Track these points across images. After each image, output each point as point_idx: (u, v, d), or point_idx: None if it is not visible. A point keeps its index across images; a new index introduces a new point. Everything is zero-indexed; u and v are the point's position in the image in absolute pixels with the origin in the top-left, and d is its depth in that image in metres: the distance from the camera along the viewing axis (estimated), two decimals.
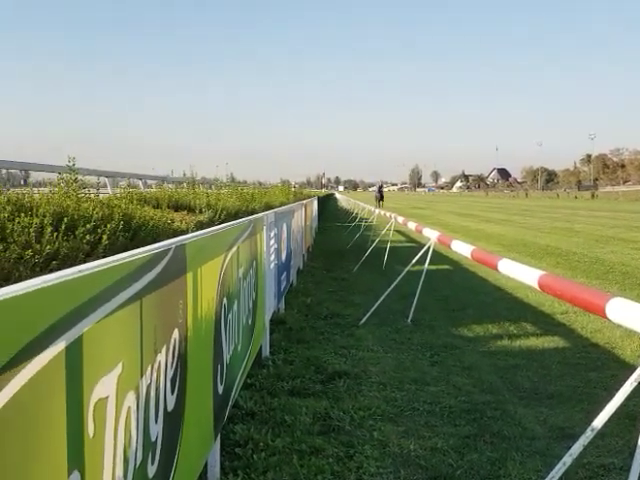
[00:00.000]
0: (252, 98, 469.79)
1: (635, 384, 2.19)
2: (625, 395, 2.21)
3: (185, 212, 10.52)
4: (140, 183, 18.50)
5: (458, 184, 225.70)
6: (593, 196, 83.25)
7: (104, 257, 1.89)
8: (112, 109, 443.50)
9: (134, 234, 5.61)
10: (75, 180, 5.78)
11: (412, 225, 10.03)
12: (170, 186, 16.79)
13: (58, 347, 1.29)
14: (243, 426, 4.07)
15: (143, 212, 6.40)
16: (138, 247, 2.16)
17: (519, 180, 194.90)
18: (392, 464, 3.60)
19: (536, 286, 3.42)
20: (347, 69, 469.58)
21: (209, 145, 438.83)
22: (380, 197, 47.60)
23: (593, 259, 13.17)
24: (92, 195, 6.87)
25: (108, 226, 4.75)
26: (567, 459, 2.27)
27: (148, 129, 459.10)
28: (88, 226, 4.58)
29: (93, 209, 4.98)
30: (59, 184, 5.74)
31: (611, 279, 10.39)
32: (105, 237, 4.66)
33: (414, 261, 7.82)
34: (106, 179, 15.98)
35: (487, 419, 4.29)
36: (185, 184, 14.97)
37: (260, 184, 44.12)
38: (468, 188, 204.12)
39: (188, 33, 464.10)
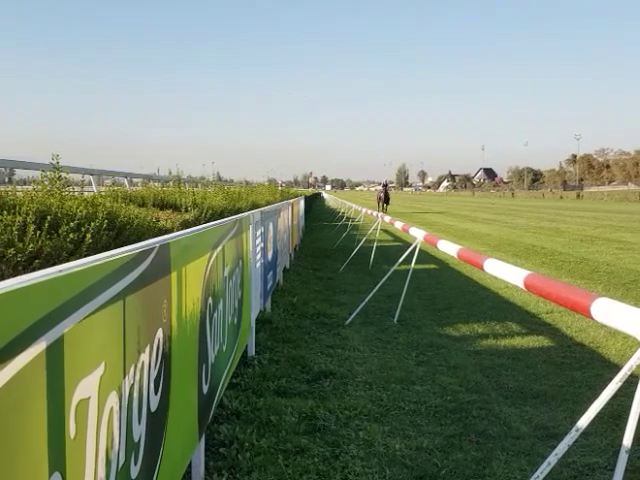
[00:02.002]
0: (239, 97, 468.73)
1: (620, 384, 2.20)
2: (610, 395, 2.21)
3: (171, 211, 10.46)
4: (125, 181, 18.39)
5: (445, 184, 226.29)
6: (578, 196, 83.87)
7: (87, 256, 1.87)
8: (93, 106, 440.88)
9: (118, 233, 5.57)
10: (59, 178, 5.72)
11: (399, 224, 10.05)
12: (156, 184, 16.72)
13: (39, 347, 1.26)
14: (228, 426, 4.05)
15: (128, 210, 6.35)
16: (122, 246, 2.14)
17: (505, 180, 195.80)
18: (377, 463, 3.59)
19: (522, 286, 3.43)
20: (334, 69, 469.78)
21: (195, 144, 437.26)
22: (385, 199, 37.07)
23: (578, 259, 13.25)
24: (76, 193, 6.80)
25: (92, 224, 4.70)
26: (552, 459, 2.27)
27: (134, 128, 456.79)
28: (72, 224, 4.53)
29: (77, 207, 4.92)
30: (43, 182, 5.67)
31: (596, 279, 10.46)
32: (89, 236, 4.62)
33: (400, 260, 7.83)
34: (91, 177, 15.86)
35: (472, 418, 4.30)
36: (171, 182, 14.90)
37: (247, 183, 44.04)
38: (455, 188, 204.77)
39: (156, 29, 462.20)
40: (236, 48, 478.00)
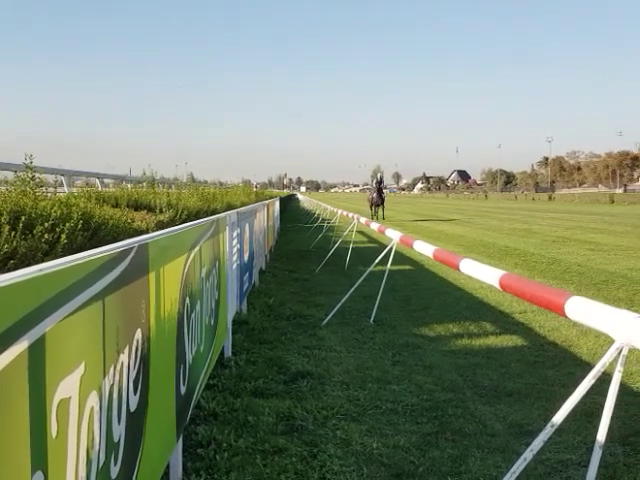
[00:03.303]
0: (211, 98, 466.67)
1: (594, 380, 2.25)
2: (585, 391, 2.26)
3: (145, 212, 10.40)
4: (97, 182, 18.20)
5: (419, 185, 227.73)
6: (550, 198, 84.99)
7: (63, 256, 1.86)
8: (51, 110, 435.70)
9: (93, 233, 5.52)
10: (32, 178, 5.66)
11: (375, 226, 10.10)
12: (128, 185, 16.58)
13: (21, 346, 1.26)
14: (206, 427, 4.04)
15: (102, 211, 6.30)
16: (97, 246, 2.13)
17: (478, 182, 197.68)
18: (355, 462, 3.62)
19: (497, 286, 3.48)
20: (306, 70, 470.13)
21: (167, 145, 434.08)
22: (379, 201, 28.85)
23: (550, 260, 13.45)
24: (49, 194, 6.73)
25: (67, 225, 4.66)
26: (528, 454, 2.31)
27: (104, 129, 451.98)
28: (46, 225, 4.48)
29: (51, 208, 4.87)
30: (16, 182, 5.60)
31: (568, 279, 10.62)
32: (64, 236, 4.58)
33: (376, 262, 7.87)
34: (62, 178, 15.68)
35: (448, 417, 4.35)
36: (144, 183, 14.80)
37: (221, 184, 43.78)
38: (429, 190, 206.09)
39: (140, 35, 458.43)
40: (209, 50, 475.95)
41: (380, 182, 29.52)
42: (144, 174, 14.90)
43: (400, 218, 32.08)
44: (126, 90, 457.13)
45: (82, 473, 1.61)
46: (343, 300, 7.63)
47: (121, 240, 2.61)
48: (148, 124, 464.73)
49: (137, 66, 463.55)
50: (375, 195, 29.15)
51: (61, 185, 14.80)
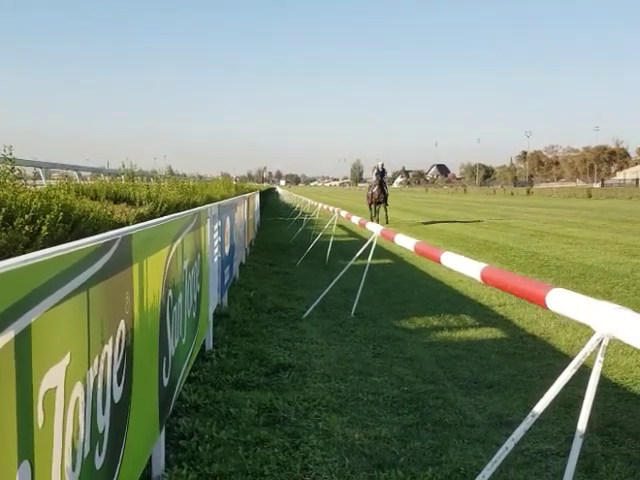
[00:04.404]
0: (191, 91, 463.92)
1: (575, 370, 2.29)
2: (565, 381, 2.30)
3: (125, 204, 10.32)
4: (75, 174, 18.00)
5: (399, 180, 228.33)
6: (528, 192, 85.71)
7: (43, 248, 1.85)
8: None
9: (74, 225, 5.48)
10: (12, 170, 5.59)
11: (355, 219, 10.13)
12: (106, 178, 16.43)
13: (8, 336, 1.26)
14: (187, 419, 4.04)
15: (83, 204, 6.25)
16: (78, 239, 2.12)
17: (458, 176, 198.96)
18: (337, 453, 3.64)
19: (479, 278, 3.51)
20: (286, 64, 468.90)
21: (145, 138, 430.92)
22: (381, 198, 22.11)
23: (529, 253, 13.59)
24: (28, 186, 6.66)
25: (47, 217, 4.62)
26: (509, 443, 2.35)
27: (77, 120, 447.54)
28: (27, 217, 4.44)
29: (31, 200, 4.83)
30: None
31: (546, 273, 10.76)
32: (44, 228, 4.54)
33: (357, 255, 7.90)
34: (40, 170, 15.49)
35: (429, 408, 4.39)
36: (123, 176, 14.67)
37: (200, 177, 43.47)
38: (409, 184, 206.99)
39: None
40: (189, 43, 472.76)
41: (382, 174, 22.52)
42: (122, 166, 14.75)
43: (403, 219, 26.53)
44: (101, 82, 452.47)
45: (68, 463, 1.61)
46: (324, 293, 7.65)
47: (102, 232, 2.60)
48: (126, 116, 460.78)
49: (112, 59, 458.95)
50: (376, 190, 22.26)
51: (39, 177, 14.63)
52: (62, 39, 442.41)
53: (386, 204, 22.53)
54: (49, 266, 1.55)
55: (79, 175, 18.43)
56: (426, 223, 24.04)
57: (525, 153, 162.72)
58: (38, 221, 4.55)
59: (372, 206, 22.72)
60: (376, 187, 22.27)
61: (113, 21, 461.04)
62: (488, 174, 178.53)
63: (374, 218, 21.33)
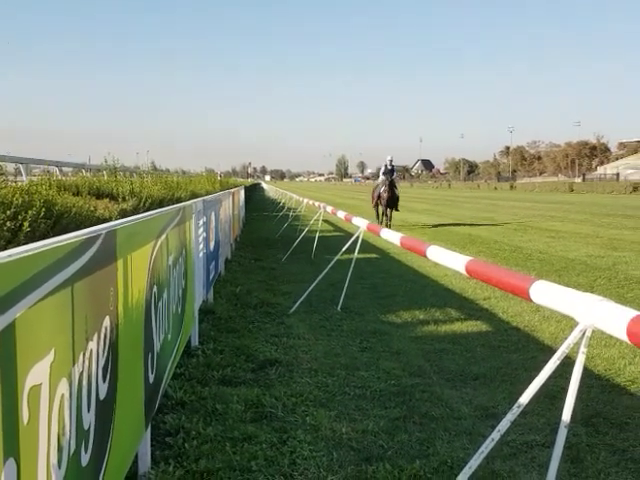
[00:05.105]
0: (174, 84, 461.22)
1: (559, 362, 2.30)
2: (550, 372, 2.31)
3: (107, 200, 10.22)
4: (56, 170, 17.80)
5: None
6: (512, 187, 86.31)
7: (25, 244, 1.82)
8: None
9: (56, 221, 5.42)
10: None
11: (341, 214, 10.13)
12: (88, 174, 16.26)
13: None
14: (174, 415, 4.03)
15: (65, 199, 6.18)
16: (60, 234, 2.10)
17: (442, 171, 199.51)
18: (325, 447, 3.64)
19: (464, 271, 3.52)
20: (269, 59, 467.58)
21: (127, 132, 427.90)
22: (392, 200, 18.21)
23: (513, 247, 13.68)
24: (9, 182, 6.57)
25: (29, 212, 4.57)
26: (495, 435, 2.36)
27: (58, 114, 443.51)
28: (8, 213, 4.39)
29: (12, 195, 4.77)
30: None
31: (529, 266, 10.83)
32: (26, 224, 4.49)
33: (344, 249, 7.90)
34: (21, 166, 15.31)
35: (415, 401, 4.40)
36: (105, 172, 14.52)
37: (184, 173, 43.23)
38: None
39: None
40: (174, 40, 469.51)
41: (391, 172, 18.77)
42: (105, 162, 14.58)
43: (409, 220, 22.80)
44: (82, 76, 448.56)
45: (54, 460, 1.59)
46: (310, 288, 7.64)
47: (85, 228, 2.57)
48: (108, 112, 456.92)
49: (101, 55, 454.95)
50: (384, 191, 18.20)
51: (20, 174, 14.46)
52: (46, 36, 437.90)
53: (396, 209, 18.67)
54: (33, 261, 1.53)
55: (60, 171, 18.24)
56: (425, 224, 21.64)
57: (508, 148, 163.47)
58: (20, 217, 4.50)
59: (380, 208, 18.78)
60: (384, 187, 18.27)
61: (110, 20, 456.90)
62: (472, 169, 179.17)
63: (382, 221, 17.97)
